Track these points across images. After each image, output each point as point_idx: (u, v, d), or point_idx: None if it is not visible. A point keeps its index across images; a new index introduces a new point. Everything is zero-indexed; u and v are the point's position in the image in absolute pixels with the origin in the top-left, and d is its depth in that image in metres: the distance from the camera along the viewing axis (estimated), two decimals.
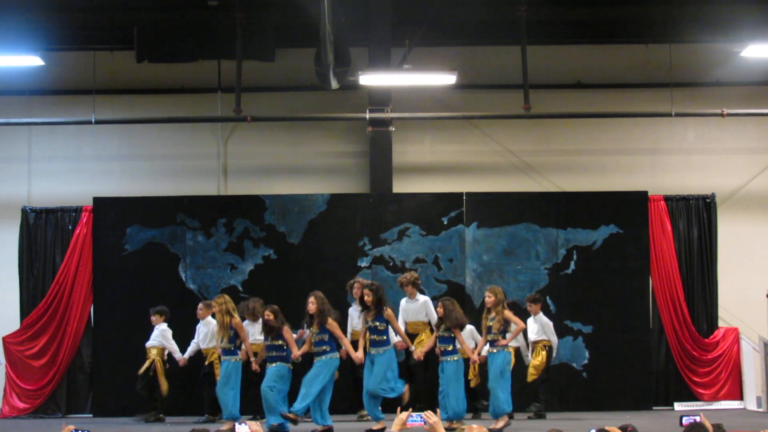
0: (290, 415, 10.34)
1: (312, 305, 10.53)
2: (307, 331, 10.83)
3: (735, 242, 14.43)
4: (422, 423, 5.97)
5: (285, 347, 10.67)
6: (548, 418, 12.16)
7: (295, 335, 11.03)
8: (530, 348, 12.48)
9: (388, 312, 10.65)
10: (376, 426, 10.61)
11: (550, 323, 12.45)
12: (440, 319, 10.83)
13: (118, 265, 13.63)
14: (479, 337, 12.12)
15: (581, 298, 13.65)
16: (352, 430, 11.01)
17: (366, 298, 10.66)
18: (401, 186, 14.35)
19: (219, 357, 11.67)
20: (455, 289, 13.41)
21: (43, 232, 13.93)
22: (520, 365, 12.26)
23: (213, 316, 11.73)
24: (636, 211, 13.87)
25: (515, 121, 14.50)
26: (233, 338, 11.20)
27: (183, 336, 12.67)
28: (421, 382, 12.05)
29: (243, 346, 11.42)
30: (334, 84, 12.85)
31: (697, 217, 14.07)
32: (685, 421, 6.47)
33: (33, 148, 14.77)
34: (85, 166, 14.70)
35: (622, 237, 13.76)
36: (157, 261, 13.62)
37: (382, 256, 13.63)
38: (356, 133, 14.68)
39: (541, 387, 12.33)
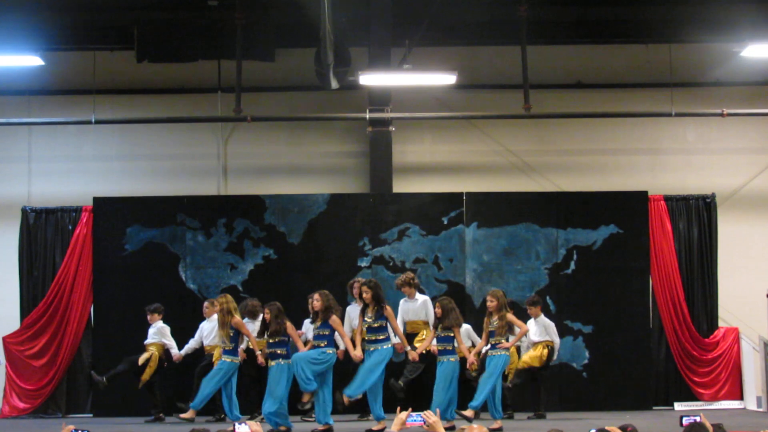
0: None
1: (317, 302, 10.51)
2: (309, 331, 10.81)
3: (735, 242, 14.43)
4: (422, 423, 5.97)
5: (287, 342, 10.63)
6: (548, 418, 12.15)
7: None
8: (532, 348, 12.45)
9: (389, 310, 10.63)
10: (376, 426, 10.59)
11: (553, 325, 12.41)
12: (438, 319, 10.82)
13: (118, 265, 13.62)
14: (476, 336, 12.12)
15: (581, 298, 13.65)
16: (352, 429, 11.01)
17: (364, 295, 10.64)
18: (401, 186, 14.35)
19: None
20: (455, 289, 13.41)
21: (43, 232, 13.92)
22: None
23: None
24: (636, 211, 13.86)
25: (515, 121, 14.49)
26: (234, 338, 11.24)
27: (182, 336, 12.66)
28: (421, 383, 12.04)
29: (242, 347, 11.43)
30: (334, 84, 12.86)
31: (697, 217, 14.05)
32: (685, 421, 6.48)
33: (33, 148, 14.76)
34: (85, 166, 14.70)
35: (622, 237, 13.75)
36: (157, 261, 13.61)
37: (382, 256, 13.63)
38: (356, 133, 14.67)
39: (509, 392, 11.95)
